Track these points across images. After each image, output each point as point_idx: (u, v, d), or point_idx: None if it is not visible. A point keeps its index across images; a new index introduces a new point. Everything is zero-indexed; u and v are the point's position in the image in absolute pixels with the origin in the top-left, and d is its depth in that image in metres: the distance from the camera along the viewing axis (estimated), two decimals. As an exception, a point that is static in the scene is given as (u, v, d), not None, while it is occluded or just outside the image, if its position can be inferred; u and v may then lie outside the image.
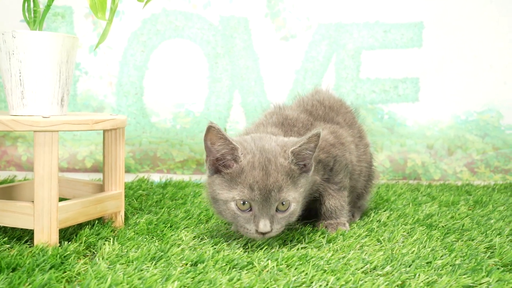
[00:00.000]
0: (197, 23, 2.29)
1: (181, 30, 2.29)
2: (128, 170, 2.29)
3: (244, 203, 1.16)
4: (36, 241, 1.18)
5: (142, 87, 2.30)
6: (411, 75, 2.32)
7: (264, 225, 1.15)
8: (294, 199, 1.18)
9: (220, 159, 1.19)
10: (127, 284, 0.94)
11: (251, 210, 1.17)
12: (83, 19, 2.26)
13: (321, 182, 1.37)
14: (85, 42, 2.27)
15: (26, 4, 1.36)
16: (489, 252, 1.23)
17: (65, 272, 1.02)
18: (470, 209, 1.71)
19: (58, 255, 1.09)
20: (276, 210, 1.17)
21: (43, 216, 1.19)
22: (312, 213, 1.54)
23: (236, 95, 2.31)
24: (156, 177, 2.16)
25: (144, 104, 2.30)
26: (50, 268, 1.01)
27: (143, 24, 2.28)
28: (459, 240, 1.32)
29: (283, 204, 1.17)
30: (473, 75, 2.32)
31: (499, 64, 2.31)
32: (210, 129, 1.16)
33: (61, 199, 1.33)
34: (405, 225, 1.47)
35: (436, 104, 2.32)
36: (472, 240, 1.33)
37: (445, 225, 1.47)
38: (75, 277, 1.01)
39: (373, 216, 1.57)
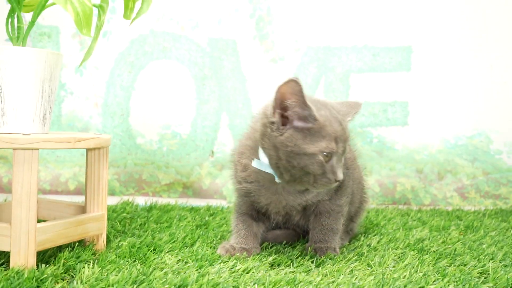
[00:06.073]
0: (185, 45, 2.27)
1: (168, 51, 2.26)
2: (112, 192, 2.24)
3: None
4: (12, 263, 1.13)
5: (129, 108, 2.26)
6: (400, 99, 2.31)
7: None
8: None
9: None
10: (105, 309, 0.89)
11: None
12: (70, 39, 2.23)
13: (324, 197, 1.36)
14: (71, 62, 2.23)
15: (9, 20, 1.33)
16: (483, 277, 1.19)
17: (41, 296, 0.97)
18: (462, 234, 1.68)
19: (34, 278, 1.04)
20: None
21: (20, 238, 1.14)
22: (301, 236, 1.51)
23: (224, 117, 2.28)
24: (141, 200, 2.11)
25: (130, 126, 2.26)
26: (25, 292, 0.96)
27: (130, 45, 2.25)
28: (452, 265, 1.29)
29: None
30: (462, 100, 2.31)
31: (488, 87, 2.31)
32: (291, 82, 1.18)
33: (42, 221, 1.28)
34: (396, 249, 1.43)
35: (425, 128, 2.31)
36: (465, 265, 1.29)
37: (437, 250, 1.43)
38: (51, 301, 0.95)
39: (363, 240, 1.54)
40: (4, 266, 1.15)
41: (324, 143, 1.20)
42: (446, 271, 1.21)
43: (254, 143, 1.33)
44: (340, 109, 1.31)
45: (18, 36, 1.33)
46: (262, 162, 1.29)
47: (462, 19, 2.30)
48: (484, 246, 1.50)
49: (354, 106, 1.38)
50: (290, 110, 1.21)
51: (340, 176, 1.23)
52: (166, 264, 1.21)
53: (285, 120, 1.22)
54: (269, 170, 1.28)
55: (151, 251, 1.33)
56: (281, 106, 1.21)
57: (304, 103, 1.19)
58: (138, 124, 2.26)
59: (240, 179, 1.37)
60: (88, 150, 1.37)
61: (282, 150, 1.21)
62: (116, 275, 1.09)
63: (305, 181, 1.23)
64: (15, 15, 1.32)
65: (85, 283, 1.05)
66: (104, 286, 1.03)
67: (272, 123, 1.23)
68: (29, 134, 1.17)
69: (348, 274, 1.18)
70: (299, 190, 1.32)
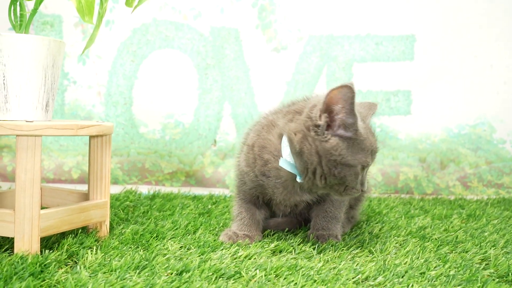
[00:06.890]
0: (188, 34, 2.26)
1: (171, 40, 2.26)
2: (115, 181, 2.24)
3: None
4: (16, 249, 1.13)
5: (131, 97, 2.26)
6: (403, 88, 2.30)
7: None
8: None
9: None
10: (108, 293, 0.90)
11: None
12: (73, 28, 2.23)
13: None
14: (74, 51, 2.23)
15: (12, 8, 1.34)
16: (484, 264, 1.20)
17: (44, 280, 0.97)
18: (464, 222, 1.69)
19: (38, 263, 1.05)
20: None
21: (24, 224, 1.14)
22: (303, 223, 1.52)
23: (226, 106, 2.28)
24: (144, 189, 2.11)
25: (133, 115, 2.26)
26: (29, 276, 0.97)
27: (133, 34, 2.25)
28: (453, 252, 1.29)
29: None
30: (465, 88, 2.30)
31: (491, 78, 2.30)
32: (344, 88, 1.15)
33: (45, 208, 1.29)
34: (398, 237, 1.44)
35: (428, 117, 2.31)
36: (466, 252, 1.29)
37: (439, 237, 1.44)
38: (54, 285, 0.96)
39: (365, 228, 1.54)
40: (8, 251, 1.16)
41: (363, 155, 1.20)
42: (447, 258, 1.21)
43: (278, 140, 1.30)
44: (361, 111, 1.30)
45: (20, 24, 1.34)
46: (289, 162, 1.25)
47: (466, 6, 2.29)
48: (486, 233, 1.50)
49: (371, 107, 1.37)
50: (334, 115, 1.19)
51: (366, 187, 1.26)
52: (169, 250, 1.22)
53: (327, 124, 1.20)
54: (294, 170, 1.26)
55: (154, 238, 1.34)
56: (327, 109, 1.19)
57: (352, 111, 1.17)
58: (141, 113, 2.27)
59: (258, 173, 1.33)
60: (91, 137, 1.38)
61: (325, 158, 1.19)
62: (119, 261, 1.10)
63: (336, 189, 1.23)
64: (18, 3, 1.32)
65: (88, 268, 1.06)
66: (107, 271, 1.04)
67: (317, 126, 1.20)
68: (32, 121, 1.18)
69: (350, 260, 1.19)
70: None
